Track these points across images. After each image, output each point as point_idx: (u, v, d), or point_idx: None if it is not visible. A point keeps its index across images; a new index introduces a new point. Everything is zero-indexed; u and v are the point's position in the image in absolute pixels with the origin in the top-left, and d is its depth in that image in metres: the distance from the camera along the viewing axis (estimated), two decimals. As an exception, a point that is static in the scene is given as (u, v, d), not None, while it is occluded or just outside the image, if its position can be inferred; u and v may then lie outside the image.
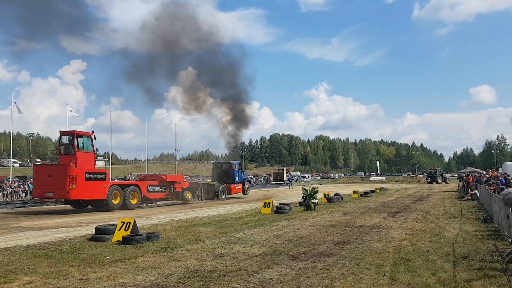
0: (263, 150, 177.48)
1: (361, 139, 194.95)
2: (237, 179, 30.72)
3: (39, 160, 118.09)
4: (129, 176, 55.23)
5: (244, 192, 31.63)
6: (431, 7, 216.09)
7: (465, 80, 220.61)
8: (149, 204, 22.53)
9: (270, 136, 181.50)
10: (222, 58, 44.50)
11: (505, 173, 22.57)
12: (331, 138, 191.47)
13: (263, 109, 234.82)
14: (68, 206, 20.95)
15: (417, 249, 8.91)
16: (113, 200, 19.58)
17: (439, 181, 63.13)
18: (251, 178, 47.99)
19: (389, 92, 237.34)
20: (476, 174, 39.58)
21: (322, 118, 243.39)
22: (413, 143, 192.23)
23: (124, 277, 6.58)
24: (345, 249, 8.95)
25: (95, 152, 20.86)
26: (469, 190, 27.49)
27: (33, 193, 20.68)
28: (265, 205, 17.22)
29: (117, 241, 9.84)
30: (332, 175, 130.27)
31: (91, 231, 11.16)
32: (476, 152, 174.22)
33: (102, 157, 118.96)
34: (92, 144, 20.12)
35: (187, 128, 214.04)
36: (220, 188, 28.02)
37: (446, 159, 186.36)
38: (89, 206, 20.55)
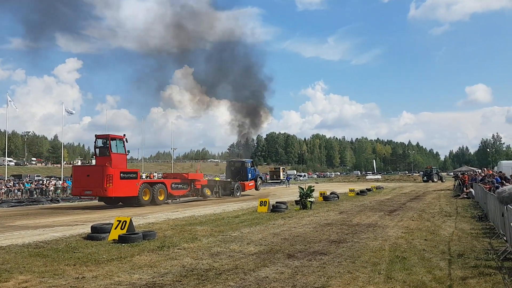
0: (260, 149, 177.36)
1: (357, 138, 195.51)
2: (249, 176, 32.34)
3: (34, 158, 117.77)
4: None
5: (256, 188, 33.10)
6: (427, 7, 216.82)
7: (461, 79, 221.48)
8: (173, 200, 24.34)
9: (267, 135, 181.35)
10: (238, 58, 45.68)
11: (500, 172, 22.67)
12: (327, 136, 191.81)
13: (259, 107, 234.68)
14: (61, 204, 20.91)
15: (412, 247, 8.93)
16: (143, 197, 21.49)
17: (435, 180, 63.34)
18: (263, 175, 49.52)
19: (385, 91, 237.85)
20: (471, 172, 39.73)
21: (319, 117, 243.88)
22: (409, 141, 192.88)
23: (120, 275, 6.57)
24: (341, 247, 8.96)
25: (127, 153, 22.53)
26: (465, 188, 27.60)
27: (73, 191, 22.35)
28: (261, 203, 17.23)
29: (113, 240, 9.81)
30: (328, 173, 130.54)
31: (87, 230, 11.13)
32: (472, 151, 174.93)
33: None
34: (124, 146, 21.93)
35: (183, 127, 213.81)
36: (236, 185, 29.48)
37: (442, 157, 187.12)
38: (120, 203, 22.03)
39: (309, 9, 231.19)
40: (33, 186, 35.93)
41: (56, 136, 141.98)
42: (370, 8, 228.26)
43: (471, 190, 24.47)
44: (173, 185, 23.98)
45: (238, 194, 29.43)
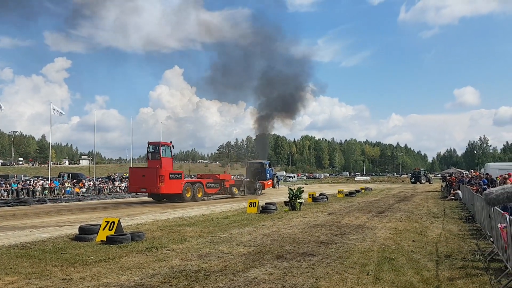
0: (249, 150, 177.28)
1: (346, 140, 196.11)
2: (268, 176, 35.61)
3: (21, 159, 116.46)
4: (114, 175, 54.71)
5: (273, 186, 36.17)
6: (417, 10, 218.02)
7: (450, 81, 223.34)
8: (208, 197, 27.86)
9: (256, 136, 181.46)
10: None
11: (487, 174, 22.90)
12: (317, 138, 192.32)
13: (249, 108, 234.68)
14: (48, 205, 20.65)
15: (401, 248, 8.99)
16: (186, 194, 25.24)
17: (423, 181, 63.86)
18: (281, 175, 55.54)
19: (375, 93, 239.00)
20: (459, 174, 40.10)
21: (309, 118, 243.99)
22: (398, 143, 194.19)
23: (108, 277, 6.52)
24: (330, 248, 8.99)
25: (173, 157, 27.07)
26: (452, 190, 27.86)
27: (130, 189, 27.13)
28: (250, 204, 17.22)
29: (101, 240, 9.74)
30: (317, 175, 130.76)
31: (75, 230, 11.03)
32: (459, 152, 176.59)
33: (86, 156, 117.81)
34: (171, 151, 26.35)
35: (172, 128, 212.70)
36: (257, 184, 33.20)
37: (430, 159, 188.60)
38: (164, 199, 25.51)
39: (300, 11, 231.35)
40: (20, 186, 35.53)
41: (43, 136, 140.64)
42: (360, 10, 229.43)
43: (458, 191, 24.70)
44: (207, 184, 27.69)
45: (259, 192, 32.87)
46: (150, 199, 26.18)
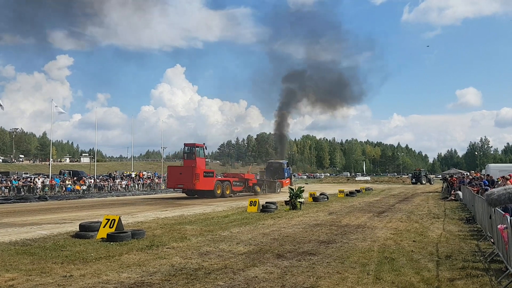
0: (250, 149, 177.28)
1: (347, 139, 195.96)
2: (286, 175, 37.56)
3: (22, 156, 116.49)
4: (115, 173, 54.75)
5: (291, 185, 36.95)
6: (420, 11, 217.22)
7: (452, 82, 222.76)
8: (234, 194, 30.12)
9: (257, 135, 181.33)
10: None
11: (488, 175, 22.87)
12: (317, 138, 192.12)
13: (251, 107, 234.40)
14: (49, 202, 20.67)
15: (401, 248, 8.98)
16: (217, 191, 27.91)
17: (424, 182, 63.81)
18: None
19: (377, 93, 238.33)
20: (459, 175, 40.03)
21: (310, 118, 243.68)
22: (399, 144, 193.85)
23: (108, 274, 6.52)
24: (330, 248, 8.99)
25: (206, 157, 30.40)
26: (453, 191, 27.82)
27: (168, 185, 30.44)
28: (251, 203, 17.22)
29: (102, 238, 9.75)
30: (318, 174, 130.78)
31: (75, 228, 11.04)
32: (460, 153, 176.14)
33: (87, 154, 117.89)
34: (204, 152, 29.42)
35: (174, 126, 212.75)
36: (277, 183, 35.52)
37: (431, 160, 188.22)
38: (196, 196, 28.12)
39: (302, 10, 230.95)
40: (20, 183, 35.56)
41: (45, 133, 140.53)
42: (363, 10, 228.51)
43: (459, 192, 24.67)
44: (234, 183, 30.31)
45: (278, 190, 35.00)
46: (149, 197, 28.54)
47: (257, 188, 32.54)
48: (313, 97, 58.79)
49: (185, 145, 29.33)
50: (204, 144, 29.54)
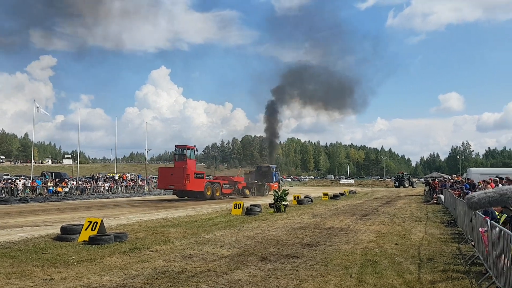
0: (235, 151, 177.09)
1: (331, 143, 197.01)
2: (274, 179, 38.35)
3: (3, 157, 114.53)
4: (97, 175, 54.16)
5: (279, 189, 37.76)
6: (404, 16, 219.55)
7: (435, 87, 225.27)
8: (224, 197, 30.33)
9: (242, 138, 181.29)
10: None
11: (469, 179, 23.21)
12: (302, 141, 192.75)
13: (236, 110, 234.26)
14: (30, 204, 20.36)
15: (384, 251, 9.06)
16: (207, 192, 28.32)
17: (406, 185, 64.52)
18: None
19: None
20: (441, 179, 40.54)
21: (295, 121, 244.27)
22: (382, 147, 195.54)
23: (89, 277, 6.44)
24: (313, 250, 9.02)
25: (196, 159, 31.22)
26: (435, 194, 28.16)
27: (159, 186, 31.12)
28: (235, 206, 17.19)
29: (83, 241, 9.64)
30: (302, 177, 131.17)
31: (57, 230, 10.89)
32: (442, 157, 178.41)
33: (70, 155, 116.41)
34: (194, 154, 30.14)
35: (158, 128, 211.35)
36: (265, 186, 35.99)
37: (414, 163, 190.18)
38: (186, 197, 28.69)
39: (288, 14, 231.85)
40: (1, 185, 34.94)
41: (26, 134, 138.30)
42: (348, 15, 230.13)
43: (441, 196, 24.99)
44: (224, 185, 30.85)
45: (267, 193, 34.99)
46: (133, 199, 28.57)
47: (246, 191, 33.22)
48: (304, 99, 60.17)
49: (177, 147, 29.83)
50: (195, 146, 30.23)
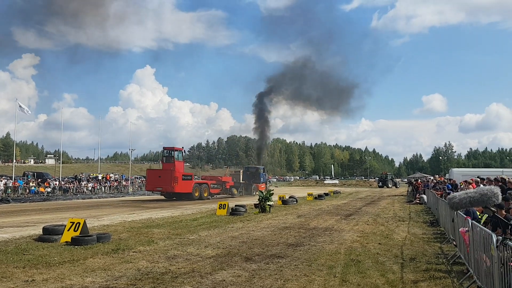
0: (220, 152, 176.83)
1: (316, 143, 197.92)
2: (262, 180, 38.85)
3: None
4: (81, 175, 53.55)
5: (266, 189, 38.48)
6: (388, 18, 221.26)
7: (418, 88, 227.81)
8: (212, 197, 30.61)
9: (228, 138, 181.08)
10: None
11: (451, 179, 23.53)
12: (288, 141, 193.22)
13: (221, 110, 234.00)
14: (12, 205, 20.05)
15: (367, 251, 9.14)
16: (195, 193, 28.51)
17: (390, 186, 65.09)
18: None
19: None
20: (424, 179, 41.01)
21: (281, 121, 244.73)
22: (366, 148, 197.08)
23: (72, 278, 6.37)
24: (298, 250, 9.05)
25: (184, 161, 31.24)
26: (417, 194, 28.49)
27: (147, 188, 30.36)
28: (220, 206, 17.16)
29: (66, 242, 9.53)
30: (287, 178, 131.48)
31: (38, 231, 10.75)
32: (425, 158, 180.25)
33: (52, 155, 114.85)
34: (182, 156, 30.06)
35: (143, 128, 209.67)
36: (253, 186, 36.32)
37: (397, 164, 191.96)
38: (174, 198, 28.63)
39: (273, 14, 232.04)
40: (-19, 185, 34.31)
41: (8, 134, 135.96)
42: (333, 17, 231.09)
43: (423, 196, 25.28)
44: (211, 185, 31.11)
45: (254, 193, 34.60)
46: (117, 199, 28.60)
47: (234, 191, 33.74)
48: (294, 100, 60.98)
49: (164, 148, 30.02)
50: (183, 148, 30.50)
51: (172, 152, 29.22)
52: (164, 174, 28.01)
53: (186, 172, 30.67)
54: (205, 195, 29.73)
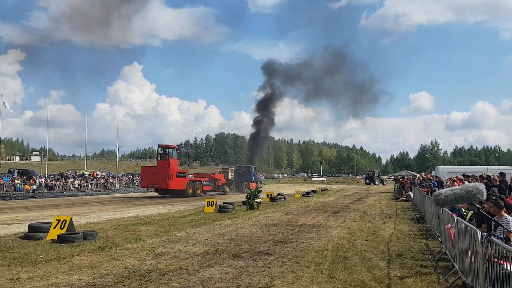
0: (208, 149, 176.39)
1: (304, 141, 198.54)
2: (253, 178, 39.67)
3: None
4: (67, 172, 53.02)
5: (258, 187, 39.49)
6: (377, 17, 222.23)
7: (406, 86, 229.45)
8: (205, 194, 30.96)
9: (216, 135, 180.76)
10: None
11: (437, 176, 23.79)
12: (276, 138, 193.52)
13: (210, 107, 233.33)
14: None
15: (354, 247, 9.20)
16: (189, 190, 29.08)
17: (377, 183, 65.62)
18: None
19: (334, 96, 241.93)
20: (410, 176, 41.42)
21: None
22: (354, 145, 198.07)
23: (58, 276, 6.31)
24: (286, 247, 9.08)
25: (179, 158, 31.92)
26: (404, 191, 28.76)
27: (141, 184, 31.27)
28: (208, 204, 17.12)
29: (52, 239, 9.43)
30: (276, 175, 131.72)
31: (24, 229, 10.63)
32: (412, 155, 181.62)
33: (38, 152, 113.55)
34: (177, 153, 30.85)
35: (131, 125, 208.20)
36: (244, 184, 37.08)
37: (384, 161, 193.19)
38: (168, 194, 29.03)
39: (262, 12, 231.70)
40: (-35, 182, 33.81)
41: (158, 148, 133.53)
42: (321, 14, 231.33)
43: (410, 193, 25.52)
44: (204, 183, 31.88)
45: (245, 190, 34.84)
46: (104, 197, 28.74)
47: (226, 188, 34.40)
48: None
49: (159, 146, 30.63)
50: (177, 146, 32.00)
51: (167, 149, 29.68)
52: (159, 171, 28.50)
53: (180, 169, 31.24)
54: (198, 192, 30.26)
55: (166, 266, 7.16)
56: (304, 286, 5.99)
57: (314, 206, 20.96)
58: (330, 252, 8.63)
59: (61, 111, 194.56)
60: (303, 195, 29.45)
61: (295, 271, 6.86)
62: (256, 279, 6.36)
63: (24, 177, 40.90)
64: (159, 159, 29.99)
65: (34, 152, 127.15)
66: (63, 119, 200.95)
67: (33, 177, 41.49)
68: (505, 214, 6.87)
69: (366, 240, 10.27)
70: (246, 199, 18.56)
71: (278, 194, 25.18)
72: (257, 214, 16.23)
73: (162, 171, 28.13)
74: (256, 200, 18.15)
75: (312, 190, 33.28)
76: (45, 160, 62.78)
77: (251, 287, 5.93)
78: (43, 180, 41.05)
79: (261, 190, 19.29)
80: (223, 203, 17.66)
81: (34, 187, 37.50)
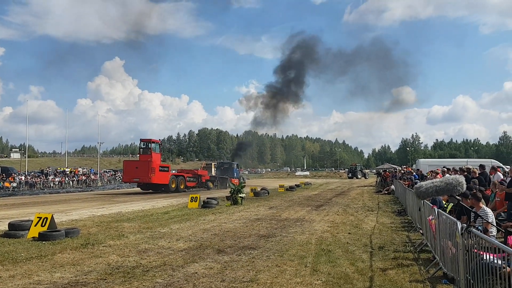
0: (191, 145, 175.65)
1: (288, 135, 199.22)
2: (235, 175, 39.81)
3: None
4: (47, 169, 52.24)
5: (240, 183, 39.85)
6: (360, 12, 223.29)
7: (388, 81, 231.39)
8: (188, 190, 30.75)
9: (199, 131, 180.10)
10: None
11: (418, 170, 24.13)
12: (259, 133, 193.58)
13: (193, 103, 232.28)
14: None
15: (337, 240, 9.28)
16: (172, 185, 29.12)
17: (359, 177, 66.31)
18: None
19: (318, 90, 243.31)
20: (392, 170, 41.91)
21: (253, 113, 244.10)
22: (336, 140, 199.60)
23: (40, 274, 6.23)
24: (270, 241, 9.12)
25: (161, 153, 31.86)
26: (386, 185, 29.12)
27: (123, 179, 30.83)
28: (192, 199, 17.08)
29: (33, 237, 9.30)
30: (259, 170, 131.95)
31: (4, 227, 10.46)
32: (393, 149, 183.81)
33: (18, 149, 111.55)
34: (160, 148, 30.55)
35: (113, 121, 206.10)
36: (228, 179, 35.71)
37: (366, 155, 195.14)
38: (150, 190, 29.19)
39: (244, 6, 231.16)
40: None
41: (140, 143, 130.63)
42: (303, 9, 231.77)
43: (392, 186, 25.85)
44: (188, 178, 31.72)
45: (229, 186, 34.67)
46: (85, 194, 28.97)
47: (210, 184, 34.55)
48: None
49: (141, 140, 30.39)
50: (160, 140, 31.47)
51: (150, 144, 29.45)
52: (141, 165, 28.32)
53: (163, 164, 31.21)
54: (182, 187, 30.26)
55: (149, 262, 7.13)
56: (288, 280, 6.03)
57: (297, 200, 21.07)
58: (313, 245, 8.70)
59: (42, 107, 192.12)
60: (287, 189, 29.59)
61: (279, 265, 6.89)
62: (241, 273, 6.38)
63: (4, 174, 40.21)
64: (141, 153, 29.88)
65: (13, 149, 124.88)
66: (43, 115, 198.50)
67: (13, 174, 40.83)
68: (483, 206, 7.02)
69: (349, 233, 10.37)
70: (230, 194, 18.56)
71: (262, 189, 25.25)
72: (241, 209, 16.24)
73: (144, 164, 27.91)
74: (240, 195, 18.17)
75: (295, 185, 33.47)
76: (25, 157, 61.74)
77: (236, 282, 5.94)
78: (23, 177, 40.44)
79: (244, 185, 19.31)
80: (207, 198, 17.63)
81: (14, 184, 36.94)
